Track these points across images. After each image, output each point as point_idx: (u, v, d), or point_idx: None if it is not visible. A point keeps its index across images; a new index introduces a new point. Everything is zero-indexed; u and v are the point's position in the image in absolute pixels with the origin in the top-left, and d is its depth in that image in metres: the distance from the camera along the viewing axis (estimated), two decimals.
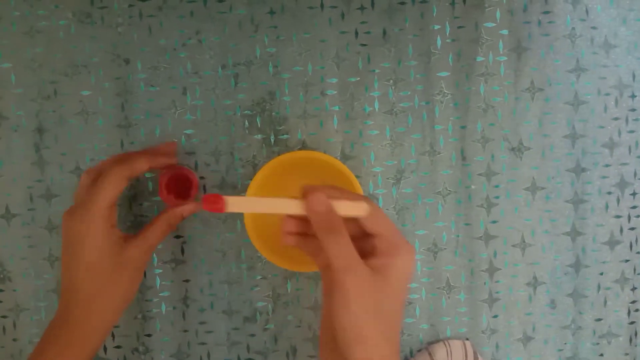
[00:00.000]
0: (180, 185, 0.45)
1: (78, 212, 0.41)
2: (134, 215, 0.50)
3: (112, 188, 0.41)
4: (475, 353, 0.49)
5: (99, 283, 0.41)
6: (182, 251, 0.50)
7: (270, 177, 0.45)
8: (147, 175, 0.49)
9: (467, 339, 0.50)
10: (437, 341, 0.50)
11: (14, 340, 0.50)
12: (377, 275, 0.35)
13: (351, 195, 0.37)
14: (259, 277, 0.50)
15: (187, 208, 0.45)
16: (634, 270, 0.51)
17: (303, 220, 0.38)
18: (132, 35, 0.49)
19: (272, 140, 0.50)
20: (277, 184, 0.47)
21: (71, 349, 0.40)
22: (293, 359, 0.50)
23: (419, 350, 0.50)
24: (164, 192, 0.45)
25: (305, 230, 0.38)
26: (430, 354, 0.49)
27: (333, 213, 0.36)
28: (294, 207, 0.36)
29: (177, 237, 0.50)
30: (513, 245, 0.50)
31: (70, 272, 0.41)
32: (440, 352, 0.49)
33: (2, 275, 0.50)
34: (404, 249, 0.36)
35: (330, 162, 0.45)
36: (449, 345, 0.49)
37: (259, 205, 0.38)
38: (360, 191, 0.45)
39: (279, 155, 0.48)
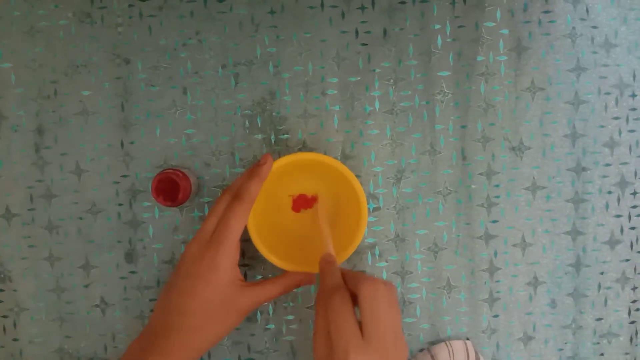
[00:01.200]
0: (170, 188, 0.45)
1: (207, 246, 0.43)
2: (133, 213, 0.50)
3: (240, 224, 0.43)
4: (476, 353, 0.49)
5: (207, 317, 0.42)
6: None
7: (271, 177, 0.45)
8: (148, 175, 0.49)
9: (468, 339, 0.50)
10: (439, 342, 0.50)
11: (14, 340, 0.50)
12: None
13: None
14: (260, 277, 0.50)
15: (304, 278, 0.46)
16: (635, 269, 0.51)
17: None
18: (132, 35, 0.49)
19: (273, 140, 0.49)
20: (277, 183, 0.47)
21: None
22: (293, 358, 0.50)
23: (420, 351, 0.50)
24: (154, 193, 0.45)
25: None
26: (432, 356, 0.49)
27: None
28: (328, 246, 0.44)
29: (178, 236, 0.50)
30: (513, 245, 0.50)
31: (183, 299, 0.42)
32: (442, 353, 0.48)
33: (2, 275, 0.50)
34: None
35: (331, 164, 0.45)
36: (451, 346, 0.49)
37: (323, 222, 0.46)
38: (361, 192, 0.45)
39: (279, 154, 0.48)
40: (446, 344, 0.49)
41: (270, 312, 0.50)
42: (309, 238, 0.47)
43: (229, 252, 0.42)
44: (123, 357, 0.42)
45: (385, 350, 0.36)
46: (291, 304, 0.50)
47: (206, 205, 0.50)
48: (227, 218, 0.43)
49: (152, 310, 0.50)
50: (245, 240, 0.49)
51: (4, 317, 0.50)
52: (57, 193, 0.50)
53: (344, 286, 0.39)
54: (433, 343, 0.50)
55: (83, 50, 0.49)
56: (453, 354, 0.49)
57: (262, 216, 0.46)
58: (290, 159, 0.45)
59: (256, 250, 0.46)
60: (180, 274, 0.43)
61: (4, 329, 0.50)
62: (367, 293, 0.37)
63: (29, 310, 0.50)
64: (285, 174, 0.46)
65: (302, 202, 0.48)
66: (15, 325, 0.50)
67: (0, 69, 0.49)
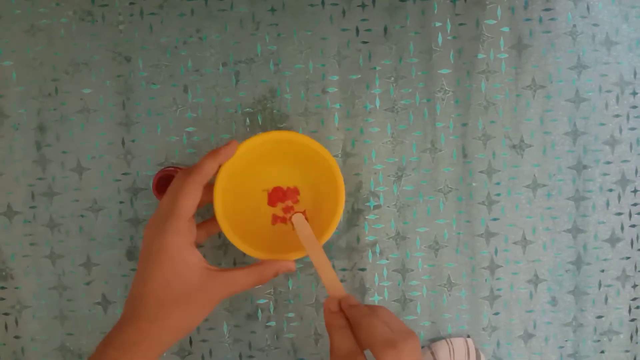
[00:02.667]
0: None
1: (157, 226, 0.40)
2: (134, 210, 0.50)
3: (189, 199, 0.40)
4: (477, 351, 0.49)
5: (166, 304, 0.38)
6: None
7: (246, 154, 0.43)
8: (149, 172, 0.49)
9: (469, 336, 0.50)
10: (439, 339, 0.50)
11: (16, 337, 0.50)
12: None
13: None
14: None
15: (283, 265, 0.42)
16: (635, 267, 0.51)
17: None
18: (133, 33, 0.49)
19: None
20: (250, 178, 0.45)
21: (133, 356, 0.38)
22: (294, 355, 0.51)
23: (421, 348, 0.50)
24: (155, 190, 0.45)
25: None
26: (432, 353, 0.49)
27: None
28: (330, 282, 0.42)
29: None
30: (514, 243, 0.50)
31: (139, 286, 0.39)
32: (442, 350, 0.49)
33: (4, 273, 0.50)
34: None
35: (300, 141, 0.43)
36: (451, 343, 0.49)
37: (313, 245, 0.42)
38: (339, 172, 0.43)
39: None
40: (447, 341, 0.49)
41: (271, 310, 0.50)
42: (287, 229, 0.46)
43: (179, 229, 0.39)
44: (94, 353, 0.39)
45: None
46: (292, 301, 0.50)
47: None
48: (175, 194, 0.40)
49: None
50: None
51: (6, 314, 0.50)
52: (59, 191, 0.50)
53: (359, 352, 0.37)
54: (434, 340, 0.50)
55: (84, 49, 0.49)
56: (453, 351, 0.49)
57: (236, 211, 0.44)
58: (257, 140, 0.43)
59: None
60: (138, 260, 0.40)
61: (6, 327, 0.50)
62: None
63: (31, 307, 0.50)
64: (257, 165, 0.44)
65: (278, 195, 0.47)
66: (17, 322, 0.50)
67: (1, 67, 0.49)
